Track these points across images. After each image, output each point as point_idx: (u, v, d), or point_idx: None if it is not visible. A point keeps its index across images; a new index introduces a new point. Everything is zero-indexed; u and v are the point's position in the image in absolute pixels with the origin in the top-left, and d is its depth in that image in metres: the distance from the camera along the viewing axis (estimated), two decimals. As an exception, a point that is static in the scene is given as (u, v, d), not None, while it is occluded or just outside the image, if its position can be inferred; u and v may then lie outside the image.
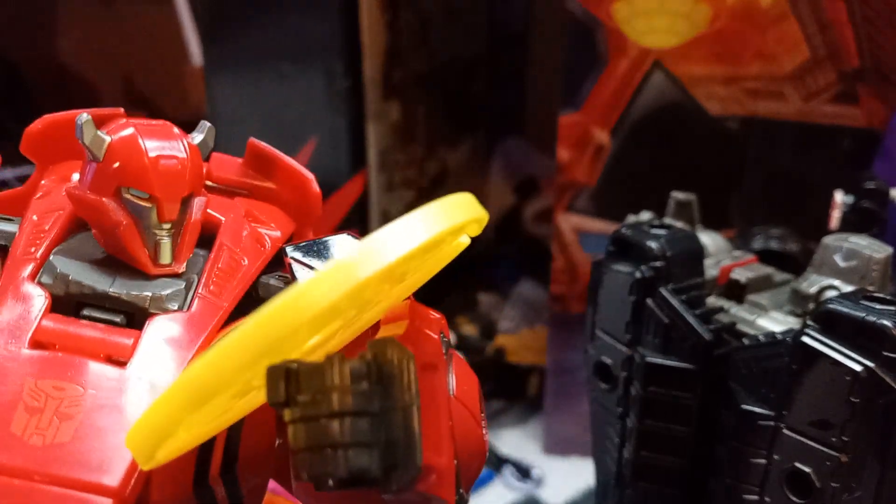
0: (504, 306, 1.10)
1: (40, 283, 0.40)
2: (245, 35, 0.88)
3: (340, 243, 0.42)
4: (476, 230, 0.37)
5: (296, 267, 0.41)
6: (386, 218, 0.97)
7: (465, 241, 0.39)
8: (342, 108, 0.89)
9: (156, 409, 0.31)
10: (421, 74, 1.00)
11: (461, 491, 0.41)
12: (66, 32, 1.24)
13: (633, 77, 0.79)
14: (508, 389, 0.99)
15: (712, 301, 0.56)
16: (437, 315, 0.42)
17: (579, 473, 0.87)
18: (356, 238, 0.43)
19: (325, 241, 0.42)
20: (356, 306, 0.36)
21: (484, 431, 0.45)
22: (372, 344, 0.32)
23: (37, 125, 0.45)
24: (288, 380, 0.30)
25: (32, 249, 0.41)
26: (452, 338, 1.00)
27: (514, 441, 0.94)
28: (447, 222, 0.33)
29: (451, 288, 1.09)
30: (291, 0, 0.86)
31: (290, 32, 0.87)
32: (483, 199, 1.38)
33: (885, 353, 0.42)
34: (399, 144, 0.97)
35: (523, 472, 0.89)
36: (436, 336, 0.41)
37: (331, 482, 0.30)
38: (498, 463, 0.90)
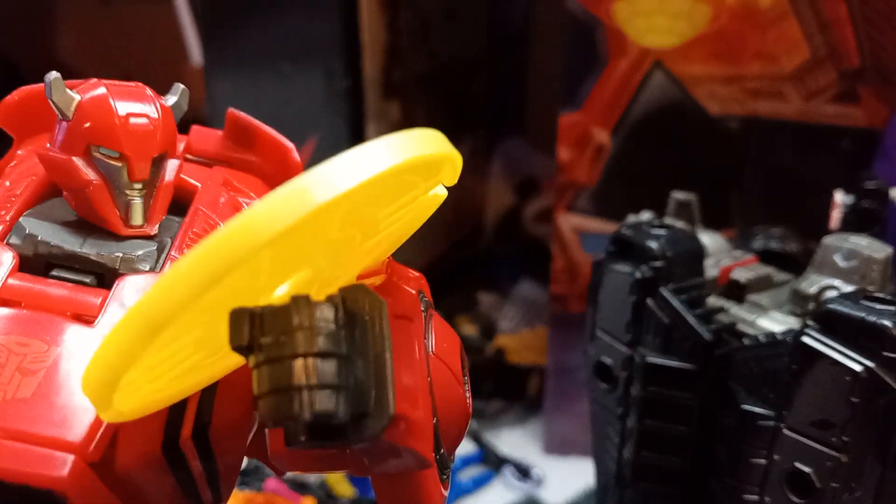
0: (504, 306, 1.10)
1: (8, 245, 0.39)
2: (245, 35, 0.88)
3: None
4: (451, 177, 0.35)
5: None
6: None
7: (441, 192, 0.37)
8: (342, 108, 0.89)
9: (107, 344, 0.30)
10: (421, 74, 1.00)
11: (442, 451, 0.40)
12: (65, 32, 1.24)
13: (633, 77, 0.79)
14: (508, 389, 0.99)
15: (712, 301, 0.56)
16: (417, 273, 0.42)
17: (579, 473, 0.86)
18: None
19: None
20: (324, 253, 0.34)
21: (466, 390, 0.44)
22: (343, 289, 0.30)
23: (13, 97, 0.44)
24: (252, 323, 0.29)
25: (2, 212, 0.40)
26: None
27: (514, 441, 0.94)
28: (414, 151, 0.30)
29: (451, 288, 1.09)
30: (291, 0, 0.86)
31: (290, 32, 0.87)
32: (483, 199, 1.38)
33: (885, 353, 0.42)
34: (399, 144, 0.97)
35: (523, 472, 0.89)
36: (413, 291, 0.40)
37: (302, 436, 0.29)
38: (498, 463, 0.90)
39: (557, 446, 0.92)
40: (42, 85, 0.43)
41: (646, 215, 0.65)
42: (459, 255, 1.14)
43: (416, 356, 0.38)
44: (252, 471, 0.79)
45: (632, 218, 0.65)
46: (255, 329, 0.29)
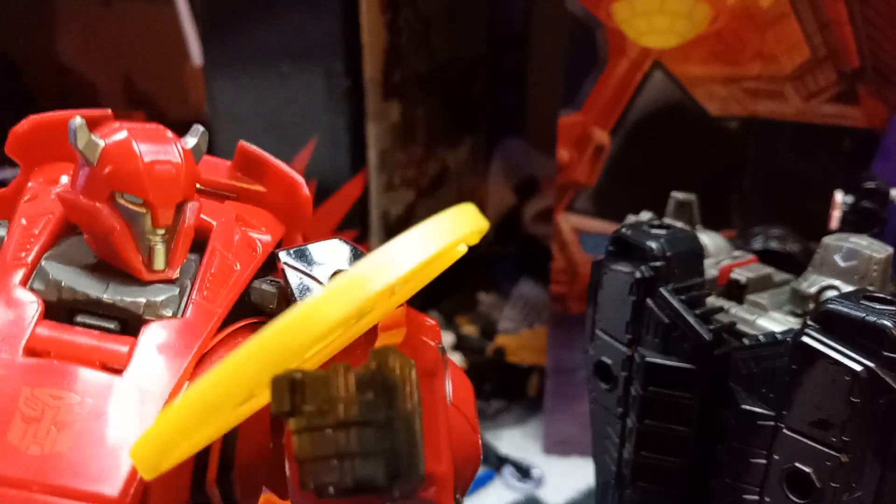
0: (504, 306, 1.10)
1: (32, 289, 0.39)
2: (245, 35, 0.88)
3: (332, 249, 0.42)
4: (476, 239, 0.38)
5: (289, 272, 0.41)
6: (386, 218, 0.97)
7: (462, 249, 0.39)
8: (342, 108, 0.89)
9: (163, 424, 0.31)
10: (421, 74, 1.00)
11: (458, 496, 0.41)
12: (65, 32, 1.24)
13: (633, 77, 0.79)
14: (508, 389, 0.99)
15: (712, 301, 0.56)
16: (432, 321, 0.43)
17: (579, 473, 0.87)
18: (347, 243, 0.43)
19: (318, 247, 0.42)
20: (357, 316, 0.36)
21: (478, 437, 0.46)
22: (374, 353, 0.32)
23: (23, 126, 0.44)
24: (293, 390, 0.31)
25: (23, 254, 0.40)
26: (452, 338, 1.00)
27: (514, 441, 0.94)
28: (453, 235, 0.33)
29: (451, 288, 1.09)
30: (291, 0, 0.86)
31: (290, 32, 0.87)
32: (483, 199, 1.38)
33: (885, 353, 0.42)
34: (399, 144, 0.97)
35: (523, 472, 0.89)
36: (434, 344, 0.41)
37: (332, 490, 0.31)
38: (498, 463, 0.90)
39: (557, 446, 0.92)
40: (52, 115, 0.44)
41: (646, 215, 0.65)
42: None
43: (440, 412, 0.40)
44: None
45: (631, 218, 0.65)
46: (296, 396, 0.31)
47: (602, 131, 0.82)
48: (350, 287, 0.30)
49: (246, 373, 0.30)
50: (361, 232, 0.94)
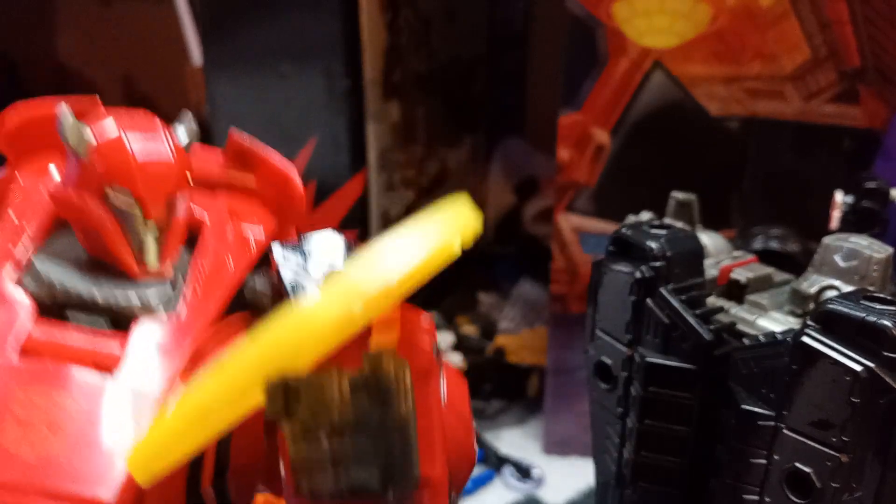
0: (504, 306, 1.10)
1: (24, 288, 0.39)
2: (245, 35, 0.88)
3: (325, 242, 0.42)
4: (470, 242, 0.37)
5: (282, 267, 0.41)
6: (386, 218, 0.97)
7: (456, 251, 0.39)
8: (342, 108, 0.89)
9: (159, 432, 0.31)
10: (421, 74, 1.00)
11: (452, 495, 0.41)
12: (65, 32, 1.24)
13: (633, 77, 0.79)
14: (508, 389, 0.99)
15: (712, 301, 0.56)
16: (427, 319, 0.42)
17: (579, 473, 0.87)
18: (340, 235, 0.42)
19: (311, 240, 0.42)
20: (351, 323, 0.36)
21: (473, 437, 0.45)
22: (368, 357, 0.32)
23: (9, 115, 0.44)
24: (287, 394, 0.31)
25: (14, 252, 0.40)
26: (452, 338, 1.00)
27: (514, 441, 0.94)
28: (448, 236, 0.33)
29: (451, 288, 1.09)
30: (291, 0, 0.85)
31: (290, 32, 0.87)
32: (483, 199, 1.37)
33: (886, 353, 0.42)
34: (399, 144, 0.97)
35: (523, 472, 0.89)
36: (428, 343, 0.41)
37: (327, 494, 0.31)
38: (498, 463, 0.90)
39: (557, 446, 0.92)
40: (38, 104, 0.43)
41: (646, 215, 0.65)
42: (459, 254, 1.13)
43: (434, 415, 0.39)
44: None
45: (632, 218, 0.65)
46: (290, 400, 0.31)
47: (602, 131, 0.82)
48: (345, 294, 0.30)
49: (240, 380, 0.30)
50: (361, 232, 0.94)
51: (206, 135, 0.93)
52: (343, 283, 0.30)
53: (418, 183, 1.03)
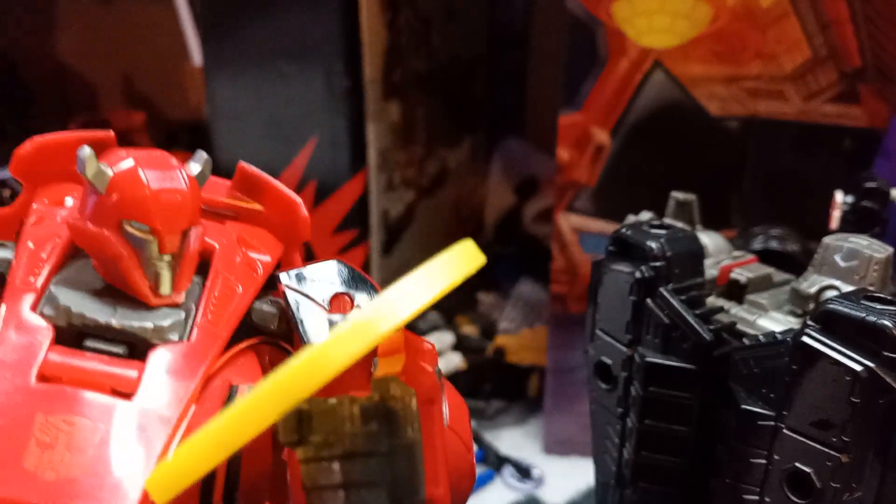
0: (504, 306, 1.10)
1: (42, 315, 0.40)
2: (245, 35, 0.88)
3: (331, 270, 0.44)
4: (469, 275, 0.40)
5: (289, 294, 0.42)
6: (386, 218, 0.97)
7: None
8: (342, 108, 0.89)
9: (180, 458, 0.32)
10: (421, 74, 1.00)
11: None
12: (65, 32, 1.24)
13: (633, 77, 0.79)
14: (508, 389, 0.99)
15: (712, 301, 0.56)
16: (429, 345, 0.44)
17: (579, 473, 0.86)
18: (345, 265, 0.44)
19: (317, 268, 0.44)
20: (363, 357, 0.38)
21: (472, 456, 0.48)
22: (376, 384, 0.34)
23: (27, 147, 0.45)
24: (301, 420, 0.32)
25: (32, 279, 0.41)
26: (452, 338, 1.00)
27: (514, 441, 0.94)
28: (455, 276, 0.34)
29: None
30: (291, 0, 0.85)
31: (290, 32, 0.87)
32: (483, 199, 1.38)
33: (886, 353, 0.42)
34: (399, 144, 0.97)
35: (523, 472, 0.89)
36: (432, 369, 0.42)
37: None
38: (498, 463, 0.90)
39: (557, 446, 0.92)
40: (55, 136, 0.44)
41: (646, 215, 0.65)
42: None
43: (437, 437, 0.41)
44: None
45: (631, 218, 0.65)
46: (303, 426, 0.33)
47: (602, 131, 0.82)
48: (360, 331, 0.31)
49: (259, 413, 0.31)
50: (361, 232, 0.94)
51: (206, 135, 0.93)
52: (360, 322, 0.31)
53: (418, 183, 1.03)
